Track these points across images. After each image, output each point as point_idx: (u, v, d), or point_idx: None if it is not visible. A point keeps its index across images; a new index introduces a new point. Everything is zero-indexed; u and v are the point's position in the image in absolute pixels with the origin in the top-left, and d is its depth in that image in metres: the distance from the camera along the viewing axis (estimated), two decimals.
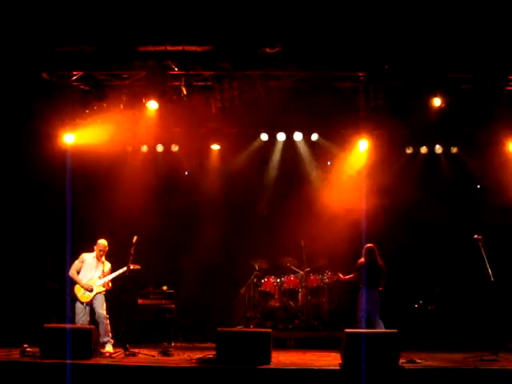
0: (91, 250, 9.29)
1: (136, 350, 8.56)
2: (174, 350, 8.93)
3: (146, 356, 8.43)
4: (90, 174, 11.55)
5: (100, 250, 9.20)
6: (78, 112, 10.59)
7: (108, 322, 8.98)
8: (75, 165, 11.13)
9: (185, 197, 11.92)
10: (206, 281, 11.56)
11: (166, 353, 8.69)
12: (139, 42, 9.25)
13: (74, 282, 9.11)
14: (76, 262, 9.25)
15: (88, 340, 8.00)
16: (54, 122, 10.66)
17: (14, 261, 10.83)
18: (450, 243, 11.29)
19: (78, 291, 9.06)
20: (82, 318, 8.98)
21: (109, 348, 8.81)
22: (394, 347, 7.68)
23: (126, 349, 8.48)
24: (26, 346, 8.33)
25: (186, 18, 8.69)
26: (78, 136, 11.01)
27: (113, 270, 9.23)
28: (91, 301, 9.03)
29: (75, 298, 9.05)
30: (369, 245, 9.68)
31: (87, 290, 9.03)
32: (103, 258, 9.26)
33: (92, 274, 9.15)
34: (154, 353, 8.63)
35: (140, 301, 10.93)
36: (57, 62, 9.66)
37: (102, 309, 8.98)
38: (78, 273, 9.17)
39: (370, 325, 9.28)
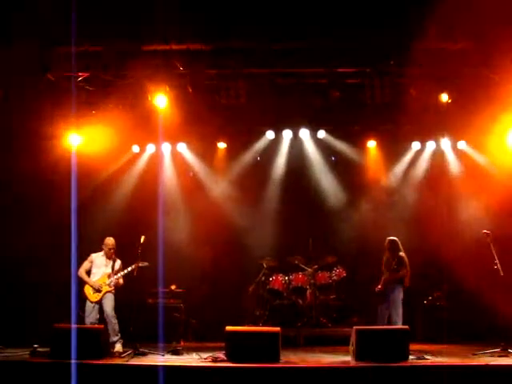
0: (100, 250, 9.36)
1: (145, 350, 8.57)
2: (183, 349, 8.93)
3: (155, 355, 8.44)
4: (97, 175, 11.59)
5: (109, 249, 9.28)
6: (83, 112, 10.60)
7: (116, 321, 9.01)
8: (81, 165, 11.16)
9: (191, 196, 11.94)
10: (214, 279, 11.56)
11: (175, 352, 8.71)
12: (144, 41, 9.25)
13: (84, 282, 9.16)
14: (85, 262, 9.32)
15: (97, 340, 8.02)
16: (59, 122, 10.68)
17: (22, 261, 10.83)
18: (459, 238, 11.23)
19: (88, 291, 9.12)
20: (91, 316, 9.02)
21: (118, 347, 8.83)
22: (404, 344, 7.66)
23: (135, 348, 8.49)
24: (36, 345, 8.36)
25: (190, 17, 8.68)
26: (84, 137, 11.04)
27: (123, 267, 9.25)
28: (100, 300, 9.08)
29: (85, 298, 9.11)
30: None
31: (96, 289, 9.08)
32: (113, 256, 9.30)
33: (102, 271, 9.21)
34: (163, 352, 8.64)
35: (149, 300, 10.94)
36: (61, 63, 9.67)
37: (110, 309, 9.02)
38: (88, 273, 9.23)
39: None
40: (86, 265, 9.30)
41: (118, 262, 9.31)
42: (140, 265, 9.01)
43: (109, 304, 9.04)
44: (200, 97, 10.14)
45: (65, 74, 10.00)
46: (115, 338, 8.89)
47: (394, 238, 9.57)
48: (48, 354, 8.03)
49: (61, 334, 7.99)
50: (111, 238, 9.37)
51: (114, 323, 8.96)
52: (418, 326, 10.86)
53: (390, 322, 9.11)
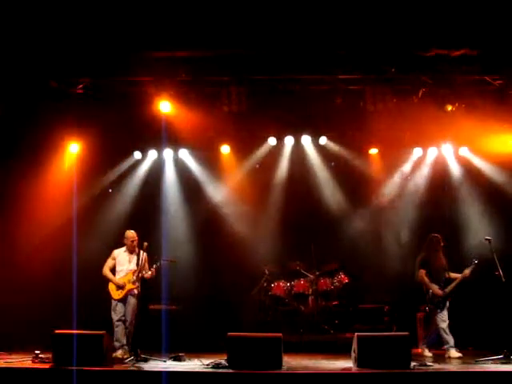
0: (121, 245, 9.24)
1: (147, 356, 8.55)
2: (185, 355, 8.90)
3: (157, 361, 8.42)
4: (98, 181, 11.65)
5: (132, 241, 9.12)
6: (86, 119, 10.65)
7: (132, 327, 8.91)
8: (83, 172, 11.23)
9: (193, 202, 11.97)
10: (216, 285, 11.55)
11: (177, 358, 8.68)
12: (147, 48, 9.29)
13: (108, 280, 9.09)
14: (108, 259, 9.22)
15: (99, 346, 7.95)
16: (61, 129, 10.71)
17: (23, 266, 10.83)
18: (460, 244, 11.23)
19: (111, 287, 9.03)
20: (117, 313, 8.96)
21: (120, 353, 8.81)
22: (406, 350, 7.65)
23: (137, 354, 8.47)
24: (38, 352, 8.33)
25: (193, 24, 8.73)
26: (85, 143, 11.10)
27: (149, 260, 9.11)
28: (124, 298, 8.98)
29: (109, 296, 9.05)
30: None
31: (119, 286, 8.98)
32: (137, 249, 9.10)
33: (126, 268, 9.08)
34: (165, 358, 8.63)
35: (150, 306, 10.93)
36: (64, 69, 9.71)
37: (130, 313, 8.90)
38: (113, 270, 9.12)
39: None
40: (109, 262, 9.18)
41: (143, 255, 9.03)
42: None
43: (131, 305, 8.92)
44: (202, 103, 10.18)
45: (67, 81, 10.04)
46: (120, 343, 8.87)
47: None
48: (50, 360, 8.02)
49: (62, 340, 7.96)
50: (131, 231, 9.23)
51: (129, 329, 8.88)
52: (419, 333, 10.85)
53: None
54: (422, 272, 9.22)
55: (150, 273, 9.00)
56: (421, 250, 9.49)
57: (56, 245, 10.83)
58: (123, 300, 9.01)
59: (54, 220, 10.90)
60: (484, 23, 8.57)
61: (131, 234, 9.20)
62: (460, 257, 10.84)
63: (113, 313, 9.03)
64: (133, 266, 9.03)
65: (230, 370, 7.55)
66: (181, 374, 7.48)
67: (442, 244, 9.31)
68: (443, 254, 9.36)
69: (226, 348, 7.83)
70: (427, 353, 9.21)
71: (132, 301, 9.00)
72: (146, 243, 8.97)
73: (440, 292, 9.13)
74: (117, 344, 8.92)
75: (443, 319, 9.11)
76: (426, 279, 9.19)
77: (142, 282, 9.01)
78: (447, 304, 9.17)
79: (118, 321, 8.96)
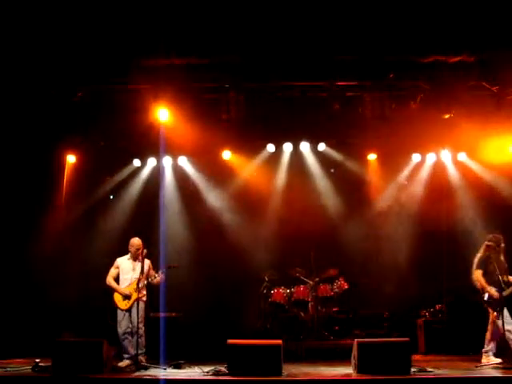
0: (125, 253, 9.09)
1: (147, 364, 8.54)
2: (185, 363, 8.88)
3: (157, 369, 8.41)
4: (98, 189, 11.67)
5: (136, 249, 8.93)
6: (85, 126, 10.67)
7: (143, 334, 8.72)
8: (83, 180, 11.25)
9: (192, 209, 11.98)
10: (215, 292, 11.55)
11: (177, 366, 8.67)
12: (146, 56, 9.33)
13: (113, 290, 8.89)
14: (111, 269, 9.02)
15: (99, 353, 7.92)
16: (61, 136, 10.74)
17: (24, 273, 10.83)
18: (460, 249, 11.23)
19: (117, 298, 8.85)
20: (122, 325, 8.77)
21: (127, 362, 8.69)
22: (406, 356, 7.65)
23: (137, 362, 8.44)
24: (38, 360, 8.30)
25: (191, 32, 8.77)
26: (86, 151, 11.12)
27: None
28: (131, 308, 8.79)
29: (115, 306, 8.87)
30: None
31: (126, 296, 8.82)
32: (140, 257, 8.87)
33: (130, 276, 8.89)
34: (165, 366, 8.61)
35: (150, 313, 10.90)
36: (63, 78, 9.74)
37: (139, 320, 8.59)
38: (116, 279, 8.95)
39: None
40: (112, 272, 8.99)
41: (147, 262, 8.92)
42: (174, 265, 9.03)
43: (139, 314, 8.58)
44: (201, 110, 10.21)
45: (67, 89, 10.07)
46: (133, 352, 8.63)
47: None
48: (50, 368, 8.00)
49: (61, 348, 7.95)
50: (137, 238, 9.05)
51: (139, 336, 8.60)
52: (420, 339, 10.85)
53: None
54: (479, 272, 8.70)
55: (158, 278, 8.90)
56: (479, 250, 8.97)
57: (56, 252, 10.83)
58: (130, 310, 8.80)
59: (53, 227, 10.90)
60: (481, 29, 8.61)
61: (137, 241, 9.02)
62: (461, 262, 10.87)
63: (118, 326, 8.83)
64: (137, 274, 8.81)
65: (230, 378, 7.55)
66: (181, 382, 7.49)
67: (502, 244, 8.84)
68: (504, 255, 8.86)
69: (226, 355, 7.82)
70: (494, 359, 8.56)
71: (141, 306, 8.72)
72: (145, 250, 8.93)
73: (496, 294, 8.48)
74: (126, 356, 8.80)
75: (508, 321, 8.48)
76: (483, 280, 8.62)
77: (148, 289, 8.96)
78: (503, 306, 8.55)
79: (123, 334, 8.79)
